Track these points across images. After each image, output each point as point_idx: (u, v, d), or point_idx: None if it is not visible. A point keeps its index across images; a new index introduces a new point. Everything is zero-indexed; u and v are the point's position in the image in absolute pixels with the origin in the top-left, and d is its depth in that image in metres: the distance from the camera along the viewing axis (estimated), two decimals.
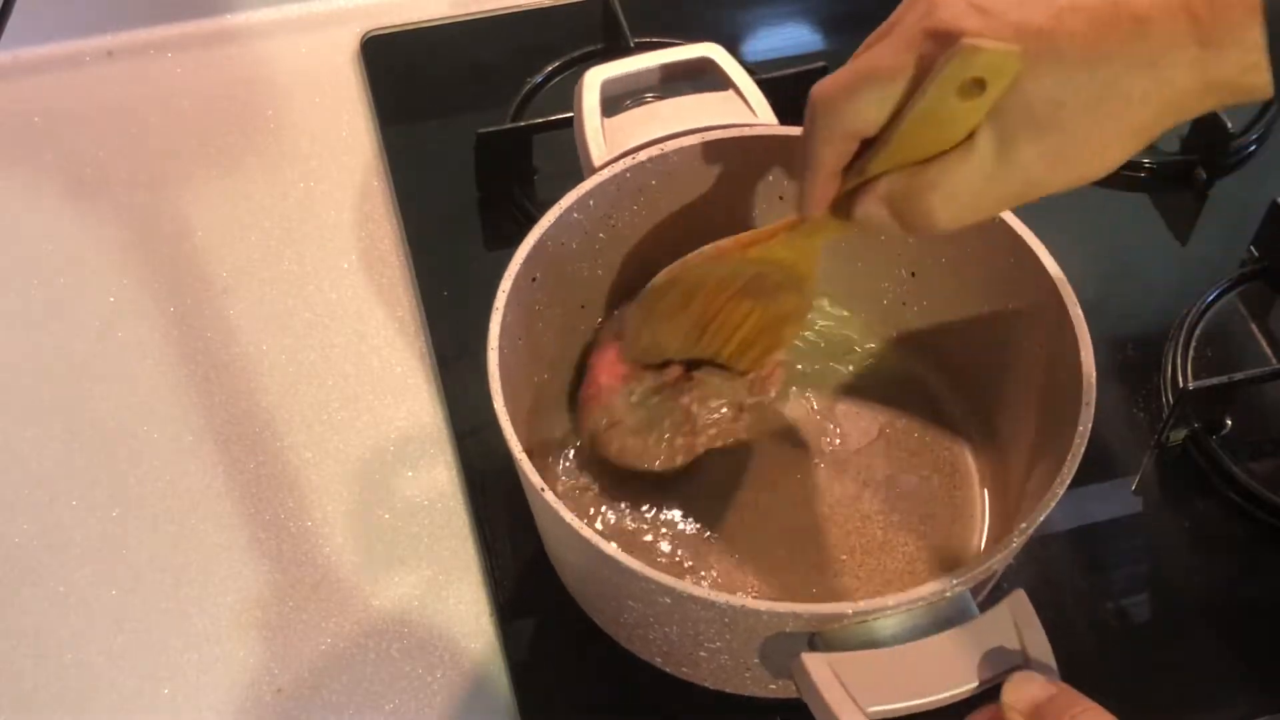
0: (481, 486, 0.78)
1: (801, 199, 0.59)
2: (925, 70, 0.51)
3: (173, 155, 0.93)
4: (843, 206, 0.58)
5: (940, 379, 0.78)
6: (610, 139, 0.72)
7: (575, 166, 0.91)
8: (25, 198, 0.90)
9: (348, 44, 1.00)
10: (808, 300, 0.69)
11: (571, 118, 0.88)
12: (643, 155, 0.72)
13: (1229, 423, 0.80)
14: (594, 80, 0.74)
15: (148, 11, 0.98)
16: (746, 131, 0.72)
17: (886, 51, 0.53)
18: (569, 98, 0.93)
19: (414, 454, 0.80)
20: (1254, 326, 0.85)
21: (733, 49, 0.98)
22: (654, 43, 0.98)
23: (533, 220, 0.88)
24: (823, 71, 0.91)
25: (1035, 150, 0.50)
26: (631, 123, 0.73)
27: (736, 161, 0.73)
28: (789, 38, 1.02)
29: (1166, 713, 0.72)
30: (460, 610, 0.74)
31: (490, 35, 1.00)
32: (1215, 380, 0.78)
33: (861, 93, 0.53)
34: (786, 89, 0.85)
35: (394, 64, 0.98)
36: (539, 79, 0.96)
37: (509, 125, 0.90)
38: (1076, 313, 0.65)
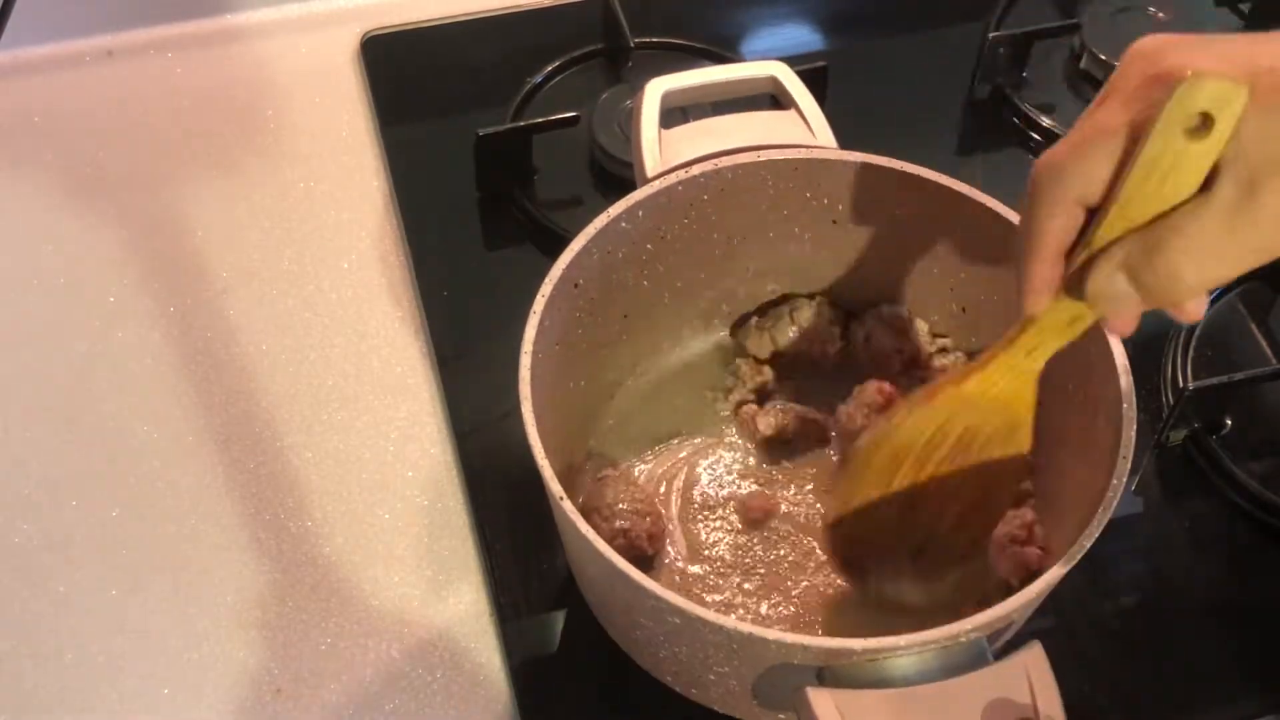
0: (481, 486, 0.78)
1: (1022, 291, 0.54)
2: (1152, 118, 0.48)
3: (173, 155, 0.93)
4: (1065, 306, 0.54)
5: None
6: (666, 151, 0.71)
7: (575, 166, 0.92)
8: (25, 198, 0.90)
9: (348, 44, 1.00)
10: (1024, 451, 0.63)
11: (572, 117, 0.89)
12: (696, 169, 0.71)
13: (1229, 423, 0.80)
14: (655, 91, 0.73)
15: (148, 11, 0.98)
16: (804, 154, 0.72)
17: (1111, 107, 0.50)
18: (569, 98, 0.94)
19: (414, 454, 0.80)
20: (1254, 326, 0.85)
21: (733, 49, 0.98)
22: (656, 43, 0.98)
23: (533, 220, 0.88)
24: (823, 71, 0.91)
25: None
26: (688, 136, 0.72)
27: (792, 183, 0.72)
28: (789, 38, 1.02)
29: (1166, 713, 0.72)
30: (460, 610, 0.74)
31: (490, 35, 1.00)
32: (1215, 380, 0.78)
33: (1088, 152, 0.50)
34: None
35: (394, 64, 0.98)
36: (539, 79, 0.96)
37: (509, 125, 0.90)
38: (1124, 365, 0.63)
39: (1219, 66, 0.47)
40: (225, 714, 0.70)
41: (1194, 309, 0.52)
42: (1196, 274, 0.49)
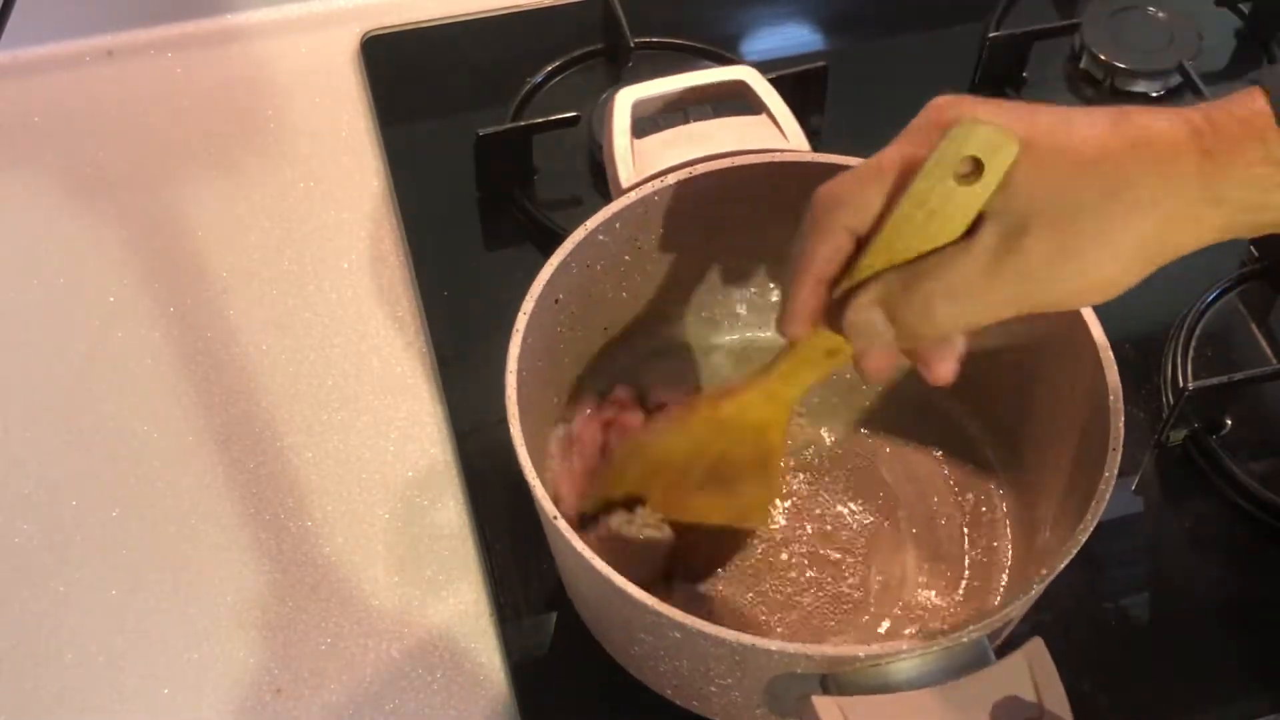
0: (481, 486, 0.78)
1: (784, 318, 0.56)
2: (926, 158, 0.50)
3: (172, 155, 0.93)
4: (824, 337, 0.56)
5: (967, 414, 0.76)
6: (639, 160, 0.71)
7: (575, 166, 0.92)
8: (25, 198, 0.90)
9: (348, 44, 1.00)
10: (770, 493, 0.67)
11: (572, 117, 0.89)
12: (671, 178, 0.71)
13: (1229, 423, 0.80)
14: (625, 101, 0.73)
15: (148, 11, 0.98)
16: (777, 158, 0.72)
17: (892, 148, 0.52)
18: (569, 98, 0.94)
19: (414, 454, 0.80)
20: (1254, 326, 0.85)
21: (733, 49, 0.99)
22: (656, 43, 0.98)
23: (533, 220, 0.88)
24: (823, 71, 0.91)
25: (1041, 247, 0.49)
26: (661, 145, 0.72)
27: (766, 187, 0.72)
28: (789, 38, 1.02)
29: (1167, 713, 0.72)
30: (460, 610, 0.74)
31: (490, 35, 1.00)
32: (1215, 380, 0.78)
33: (863, 185, 0.52)
34: (786, 89, 0.85)
35: (394, 64, 0.98)
36: (539, 79, 0.96)
37: (509, 125, 0.90)
38: (1108, 355, 0.64)
39: (999, 118, 0.49)
40: (225, 714, 0.70)
41: (943, 370, 0.54)
42: (949, 316, 0.51)
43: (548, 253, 0.86)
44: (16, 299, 0.85)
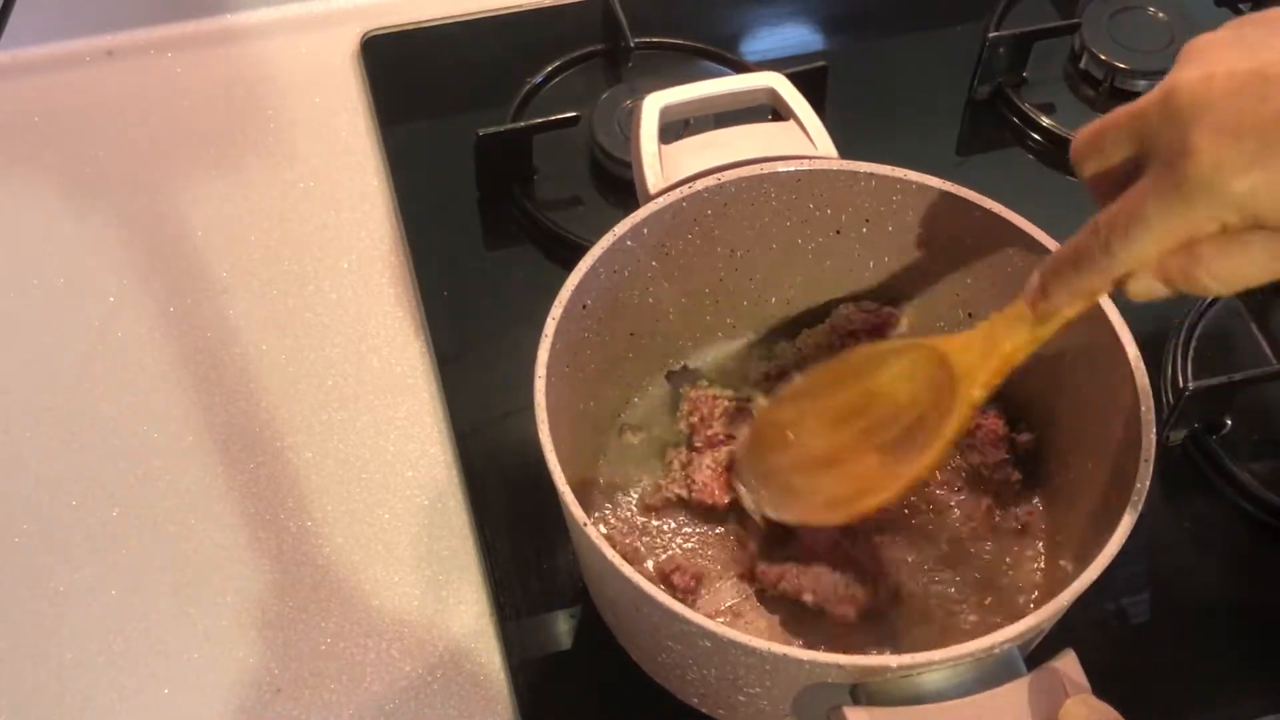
0: (482, 486, 0.78)
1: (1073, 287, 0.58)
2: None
3: (173, 155, 0.93)
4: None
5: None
6: (667, 166, 0.71)
7: (575, 166, 0.92)
8: (25, 198, 0.90)
9: (348, 44, 1.00)
10: (920, 472, 0.64)
11: (572, 117, 0.89)
12: (699, 185, 0.70)
13: (1229, 423, 0.80)
14: (653, 106, 0.72)
15: (148, 11, 0.98)
16: (806, 165, 0.71)
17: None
18: (569, 98, 0.94)
19: (414, 454, 0.80)
20: (1254, 326, 0.85)
21: (732, 48, 0.99)
22: (656, 43, 0.98)
23: (533, 220, 0.89)
24: (823, 71, 0.91)
25: None
26: (689, 150, 0.72)
27: (794, 194, 0.72)
28: (789, 38, 1.02)
29: (1167, 713, 0.72)
30: (460, 610, 0.74)
31: (490, 35, 1.00)
32: (1215, 380, 0.78)
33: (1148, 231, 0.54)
34: None
35: (394, 64, 0.98)
36: (539, 79, 0.96)
37: (509, 125, 0.90)
38: (1139, 366, 0.63)
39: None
40: (225, 714, 0.70)
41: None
42: (1219, 291, 0.55)
43: (548, 253, 0.87)
44: (16, 299, 0.85)
